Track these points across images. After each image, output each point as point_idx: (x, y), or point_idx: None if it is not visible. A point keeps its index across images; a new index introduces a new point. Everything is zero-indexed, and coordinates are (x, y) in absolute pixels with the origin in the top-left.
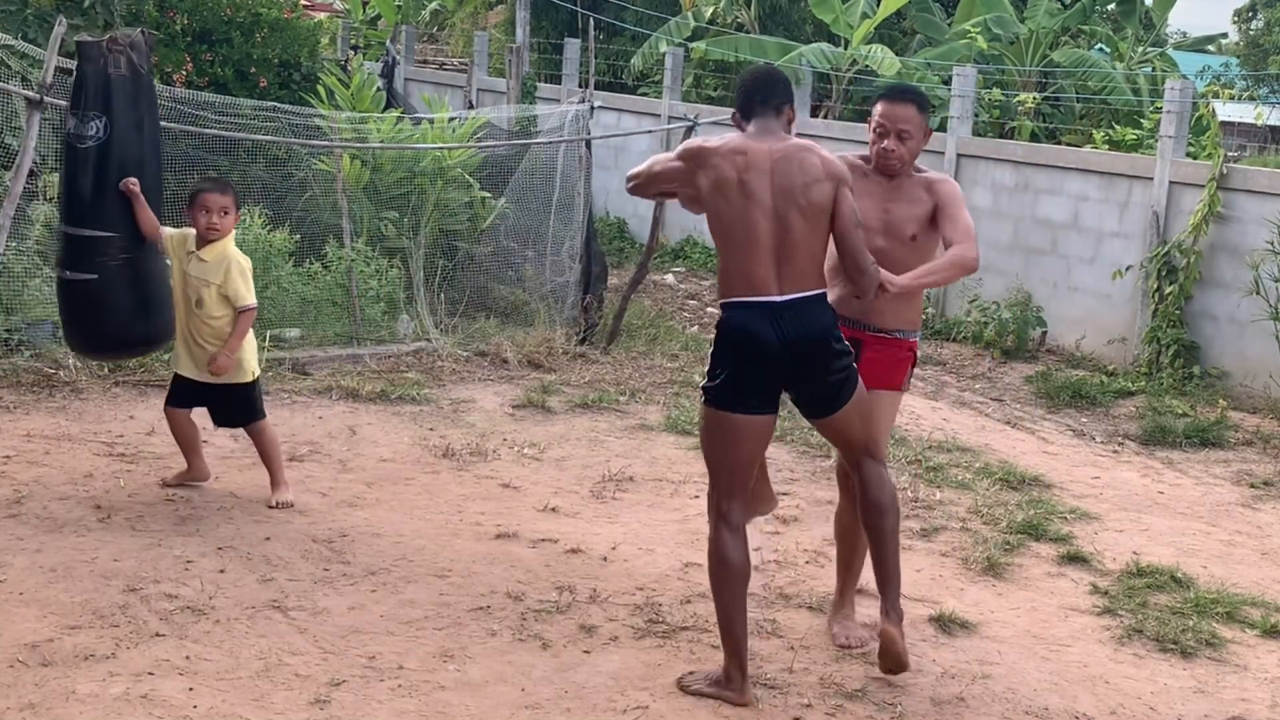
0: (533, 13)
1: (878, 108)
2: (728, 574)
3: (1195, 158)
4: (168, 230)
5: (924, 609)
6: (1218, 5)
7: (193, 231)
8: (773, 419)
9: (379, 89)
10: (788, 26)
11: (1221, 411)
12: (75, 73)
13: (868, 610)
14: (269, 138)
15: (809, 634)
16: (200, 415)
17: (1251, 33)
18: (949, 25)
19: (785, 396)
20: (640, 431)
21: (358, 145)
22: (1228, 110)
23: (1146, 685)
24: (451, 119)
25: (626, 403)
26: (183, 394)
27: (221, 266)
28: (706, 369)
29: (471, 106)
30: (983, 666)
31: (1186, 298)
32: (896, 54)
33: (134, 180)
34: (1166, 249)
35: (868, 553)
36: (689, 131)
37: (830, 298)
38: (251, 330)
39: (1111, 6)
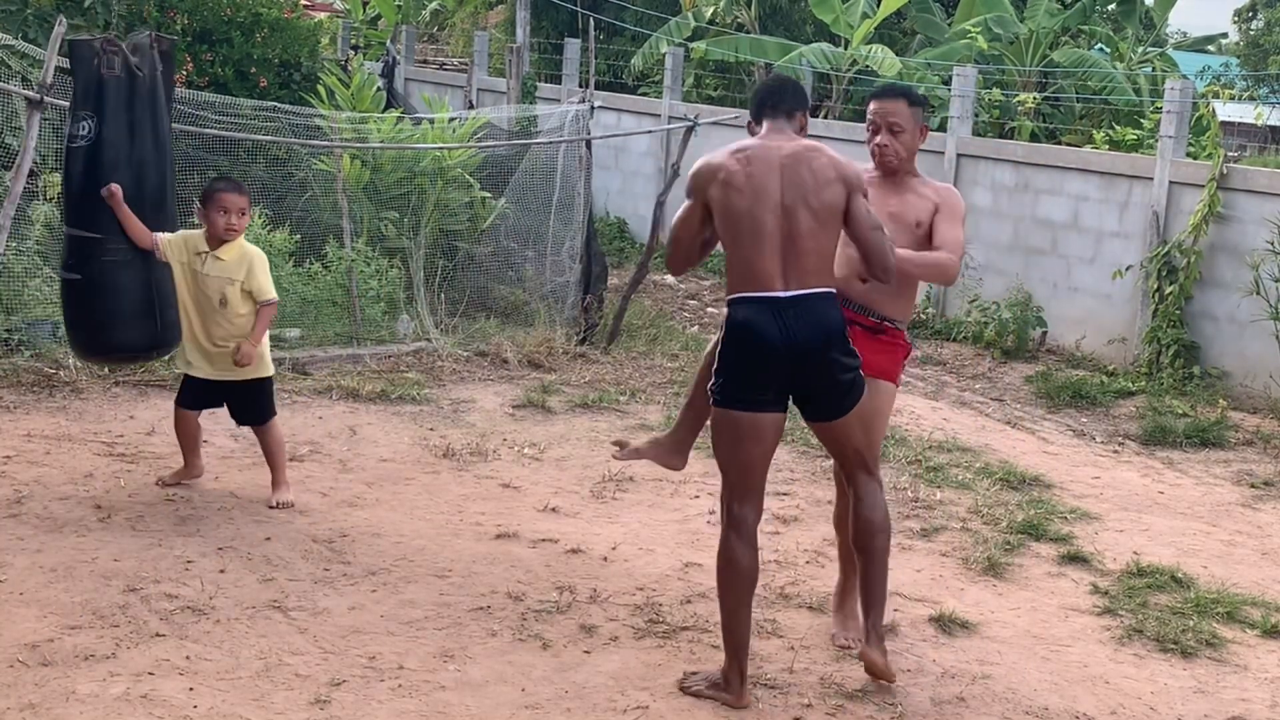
0: (533, 13)
1: (871, 105)
2: (734, 578)
3: (1195, 158)
4: (165, 236)
5: (924, 609)
6: (1218, 5)
7: (196, 233)
8: (780, 417)
9: (379, 89)
10: (788, 26)
11: (1221, 411)
12: (69, 71)
13: None
14: (269, 138)
15: (809, 634)
16: (204, 417)
17: (1251, 33)
18: (949, 25)
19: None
20: (640, 431)
21: (358, 145)
22: (1228, 110)
23: (1146, 685)
24: (451, 119)
25: (626, 403)
26: (198, 395)
27: (244, 263)
28: (714, 368)
29: (471, 106)
30: (983, 666)
31: (1186, 298)
32: (896, 54)
33: (115, 186)
34: (1166, 249)
35: None
36: (689, 132)
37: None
38: None
39: (1111, 6)
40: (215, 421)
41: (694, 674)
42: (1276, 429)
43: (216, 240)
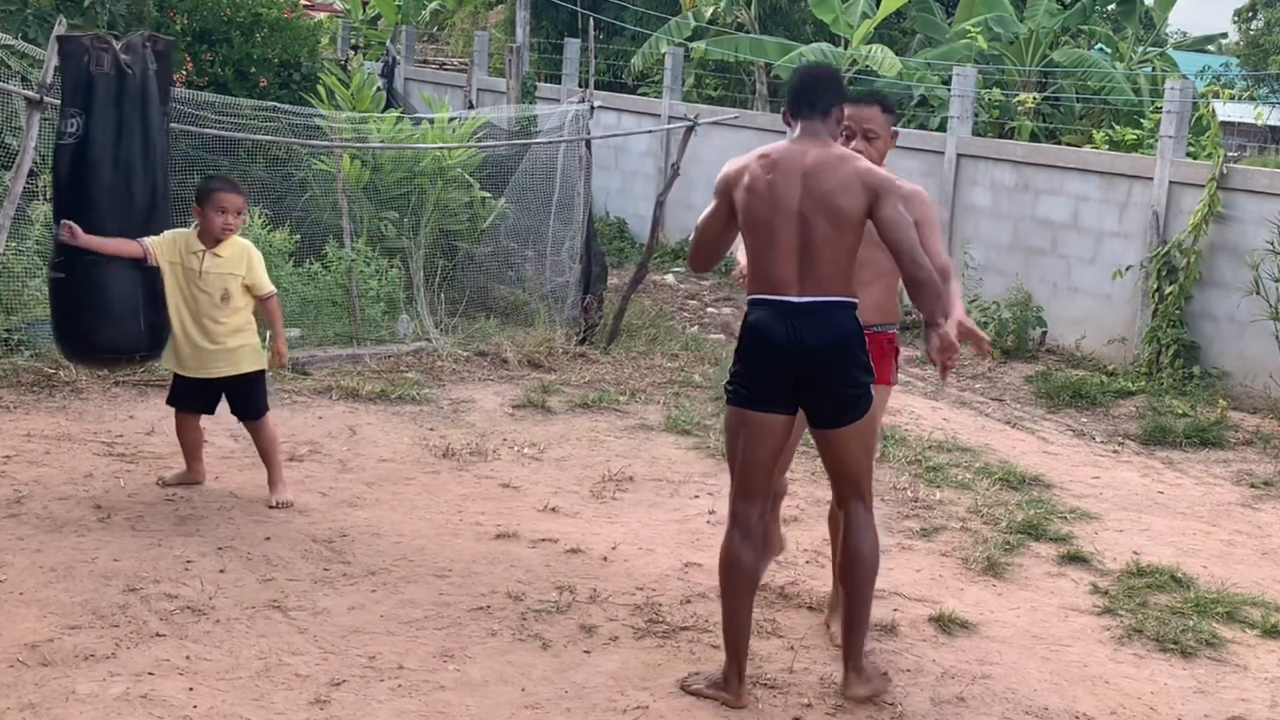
0: (533, 13)
1: (845, 111)
2: (735, 578)
3: (1195, 158)
4: (152, 241)
5: (924, 609)
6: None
7: (187, 232)
8: (789, 420)
9: (379, 89)
10: (788, 26)
11: (1221, 411)
12: (58, 69)
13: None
14: (269, 138)
15: (809, 634)
16: (204, 418)
17: (1251, 33)
18: (949, 25)
19: None
20: (640, 431)
21: (358, 145)
22: (1228, 110)
23: (1146, 685)
24: (451, 119)
25: (626, 403)
26: (193, 396)
27: (243, 259)
28: (731, 365)
29: (471, 106)
30: (983, 666)
31: (1186, 298)
32: (896, 54)
33: (71, 224)
34: (1166, 249)
35: None
36: (689, 132)
37: None
38: (253, 318)
39: (1111, 6)
40: (215, 421)
41: (695, 674)
42: (1276, 429)
43: (213, 239)
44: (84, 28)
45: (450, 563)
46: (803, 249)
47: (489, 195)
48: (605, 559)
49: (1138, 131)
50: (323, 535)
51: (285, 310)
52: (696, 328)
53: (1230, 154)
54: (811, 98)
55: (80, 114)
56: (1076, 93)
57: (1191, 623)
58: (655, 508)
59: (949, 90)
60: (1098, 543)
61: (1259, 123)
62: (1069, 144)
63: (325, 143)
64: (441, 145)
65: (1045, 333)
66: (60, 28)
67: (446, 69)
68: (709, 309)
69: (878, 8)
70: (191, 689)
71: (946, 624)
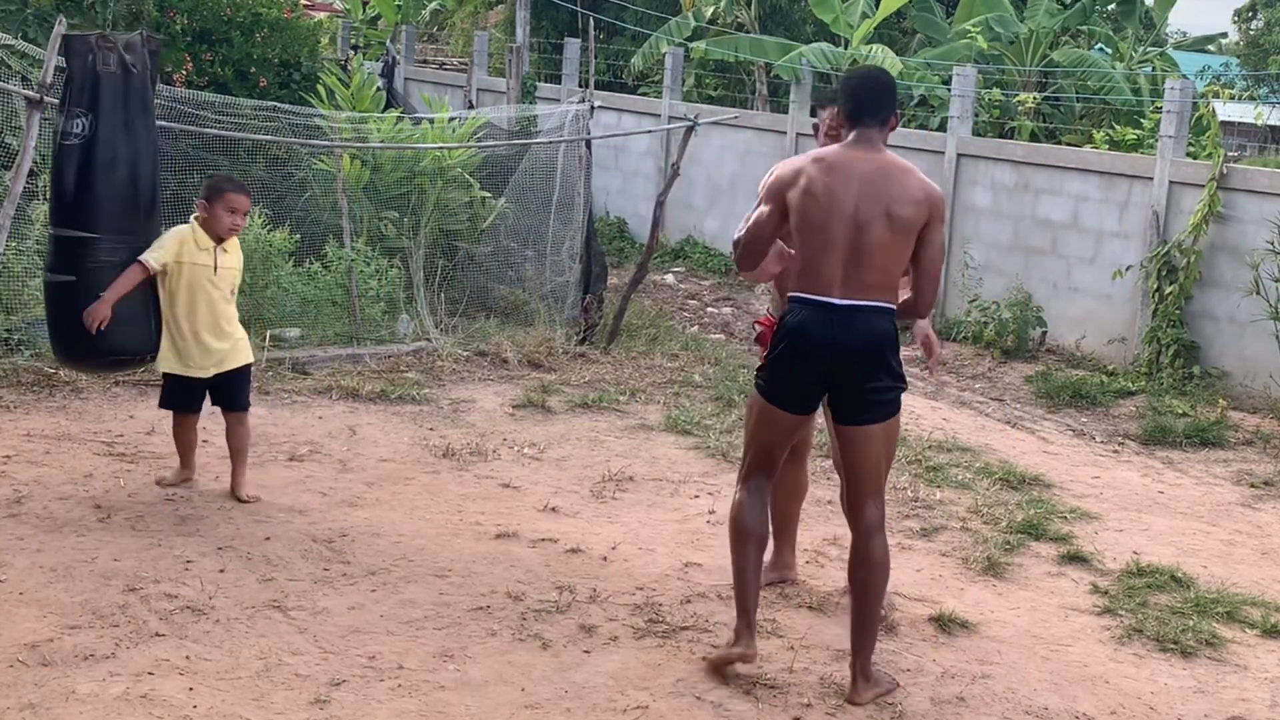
0: (533, 13)
1: (828, 111)
2: (742, 533)
3: (1195, 158)
4: (152, 256)
5: (924, 609)
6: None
7: (187, 229)
8: (806, 419)
9: (379, 89)
10: (788, 26)
11: (1221, 411)
12: (63, 68)
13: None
14: (269, 138)
15: (809, 634)
16: (204, 418)
17: (1251, 33)
18: (949, 25)
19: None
20: (640, 431)
21: (358, 145)
22: (1228, 110)
23: (1146, 685)
24: (451, 119)
25: (626, 403)
26: (193, 396)
27: (239, 255)
28: (764, 354)
29: (471, 106)
30: (983, 666)
31: (1186, 298)
32: (896, 54)
33: (93, 314)
34: (1166, 249)
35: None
36: (689, 132)
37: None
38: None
39: (1111, 6)
40: (216, 422)
41: (712, 650)
42: (1276, 429)
43: (218, 236)
44: (84, 27)
45: (450, 563)
46: (852, 253)
47: (489, 195)
48: (605, 559)
49: (1138, 131)
50: (323, 535)
51: (285, 310)
52: (696, 328)
53: (1230, 154)
54: (875, 105)
55: (87, 114)
56: (1076, 93)
57: (1191, 623)
58: (655, 508)
59: (949, 90)
60: (1098, 543)
61: (1259, 123)
62: (1069, 144)
63: (325, 143)
64: (441, 145)
65: (1045, 333)
66: (60, 27)
67: (446, 69)
68: (709, 309)
69: (878, 8)
70: (191, 689)
71: (946, 624)
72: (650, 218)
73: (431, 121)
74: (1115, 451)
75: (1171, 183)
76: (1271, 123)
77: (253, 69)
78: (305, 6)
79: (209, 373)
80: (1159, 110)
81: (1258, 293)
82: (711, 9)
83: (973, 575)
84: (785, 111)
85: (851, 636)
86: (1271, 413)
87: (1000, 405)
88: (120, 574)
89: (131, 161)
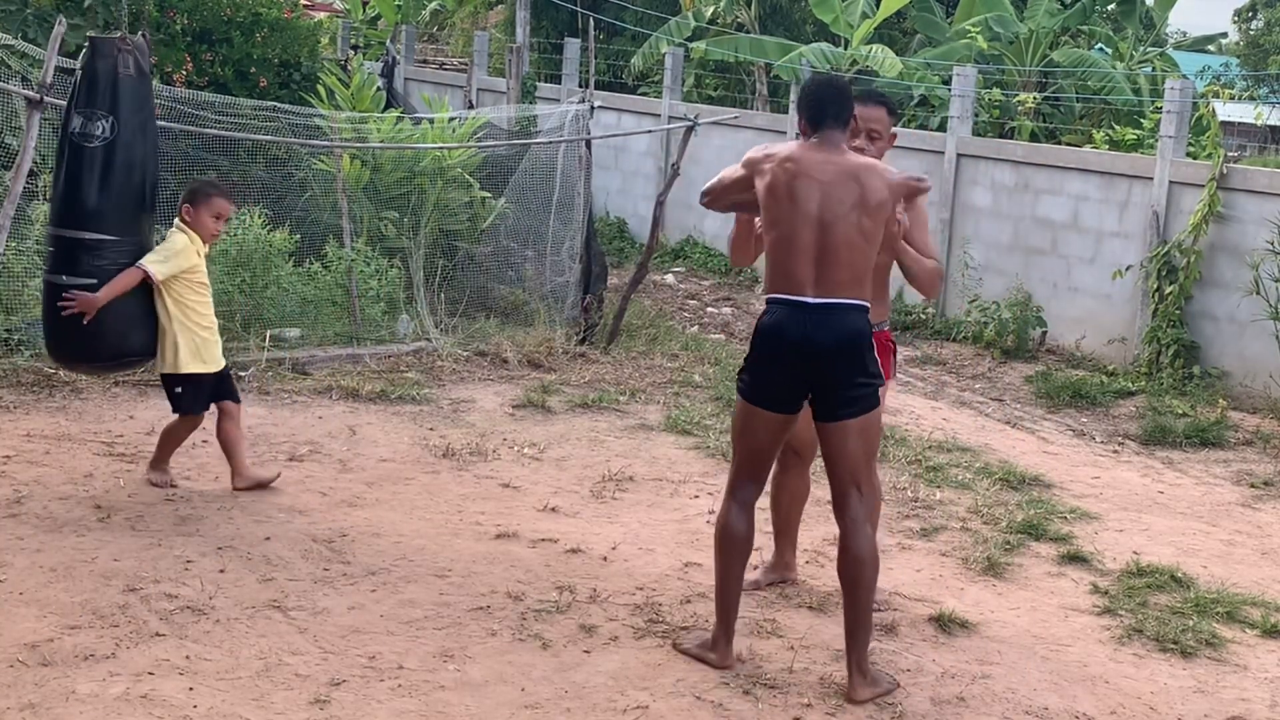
0: (533, 13)
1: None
2: (729, 544)
3: (1195, 158)
4: (154, 265)
5: (924, 609)
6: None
7: (188, 236)
8: (790, 419)
9: (379, 89)
10: (788, 26)
11: (1221, 411)
12: (84, 69)
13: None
14: (269, 138)
15: (809, 634)
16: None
17: (1251, 33)
18: (949, 25)
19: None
20: (640, 431)
21: (358, 145)
22: (1228, 110)
23: (1146, 685)
24: (451, 119)
25: (626, 403)
26: (209, 392)
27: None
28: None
29: (471, 106)
30: (983, 666)
31: (1186, 298)
32: (896, 54)
33: (81, 298)
34: (1166, 249)
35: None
36: (689, 132)
37: None
38: None
39: (1111, 6)
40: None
41: (688, 633)
42: (1276, 429)
43: (203, 240)
44: (84, 27)
45: (450, 563)
46: (820, 253)
47: (489, 195)
48: (605, 559)
49: (1138, 131)
50: (323, 535)
51: (285, 310)
52: (696, 328)
53: (1230, 154)
54: (836, 109)
55: (108, 116)
56: (1076, 93)
57: (1191, 623)
58: (655, 508)
59: (949, 90)
60: (1098, 543)
61: (1259, 123)
62: (1069, 144)
63: (325, 143)
64: (441, 145)
65: (1045, 333)
66: (60, 27)
67: (446, 69)
68: (709, 309)
69: (878, 8)
70: (191, 689)
71: (946, 624)
72: (650, 218)
73: (431, 121)
74: (1115, 451)
75: (1171, 183)
76: (1271, 123)
77: (253, 69)
78: (305, 6)
79: (219, 365)
80: (1159, 110)
81: (1258, 293)
82: (711, 9)
83: (973, 575)
84: (785, 112)
85: (846, 633)
86: (1271, 413)
87: (1000, 405)
88: (120, 574)
89: (143, 163)
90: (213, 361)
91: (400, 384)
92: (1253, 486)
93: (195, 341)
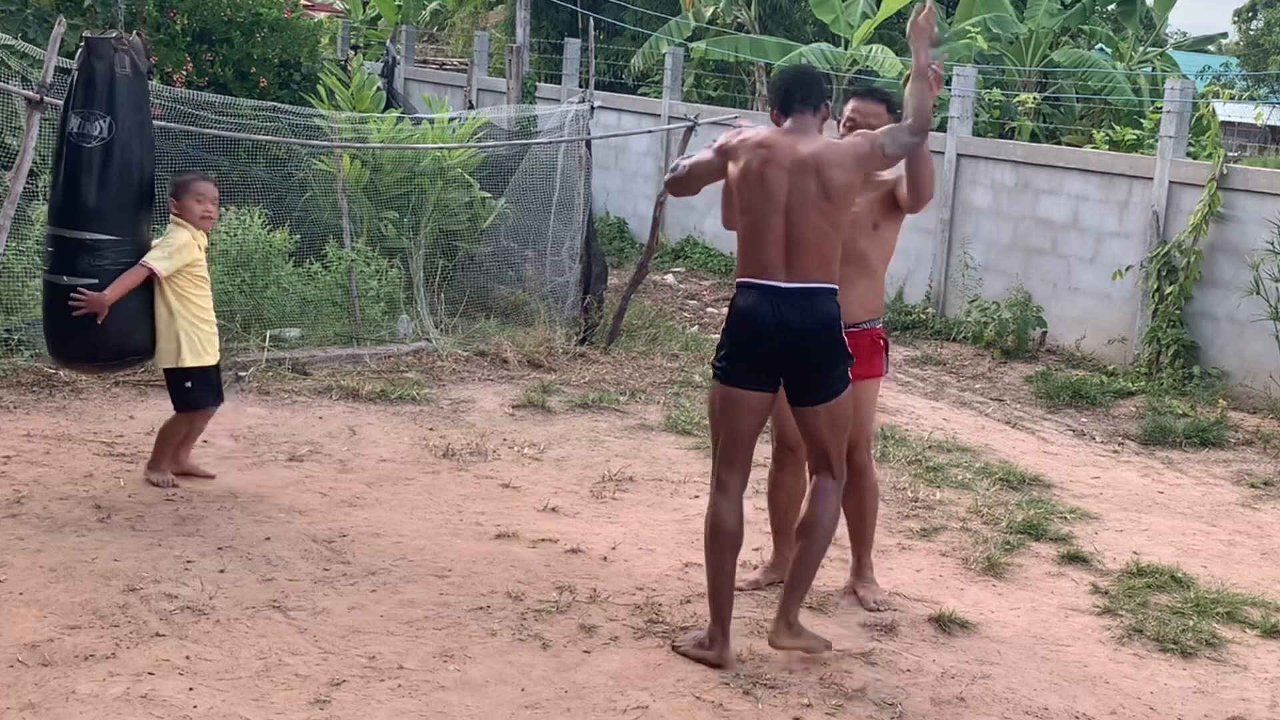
0: (533, 13)
1: (851, 104)
2: (719, 539)
3: (1195, 158)
4: (159, 261)
5: (924, 609)
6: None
7: (187, 227)
8: (770, 397)
9: (379, 89)
10: (788, 26)
11: (1221, 411)
12: (80, 69)
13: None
14: (269, 138)
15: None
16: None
17: (1251, 33)
18: (949, 25)
19: None
20: (640, 431)
21: (358, 145)
22: (1228, 110)
23: (1146, 685)
24: (451, 119)
25: (626, 403)
26: (216, 385)
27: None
28: (718, 344)
29: (471, 106)
30: (983, 666)
31: (1186, 298)
32: (896, 54)
33: (90, 297)
34: (1166, 249)
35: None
36: (689, 132)
37: None
38: None
39: (1111, 6)
40: (216, 421)
41: (687, 633)
42: (1276, 429)
43: (196, 229)
44: (84, 27)
45: (450, 563)
46: (789, 239)
47: (489, 195)
48: (605, 559)
49: (1138, 131)
50: (323, 535)
51: (285, 310)
52: (696, 328)
53: (1230, 154)
54: (804, 94)
55: (106, 116)
56: (1076, 93)
57: (1191, 623)
58: (655, 508)
59: (949, 90)
60: (1098, 543)
61: (1259, 123)
62: (1069, 144)
63: (325, 143)
64: (441, 145)
65: (1045, 333)
66: (60, 27)
67: (446, 69)
68: (709, 309)
69: (878, 8)
70: (191, 689)
71: (946, 624)
72: (650, 218)
73: (431, 121)
74: (1115, 451)
75: (1171, 183)
76: (1271, 123)
77: (253, 69)
78: (305, 6)
79: (219, 357)
80: (1159, 110)
81: (1258, 293)
82: (711, 9)
83: (973, 575)
84: None
85: (786, 584)
86: (1271, 413)
87: (1000, 405)
88: (120, 574)
89: (141, 163)
90: (214, 354)
91: (400, 384)
92: (1253, 486)
93: (197, 335)
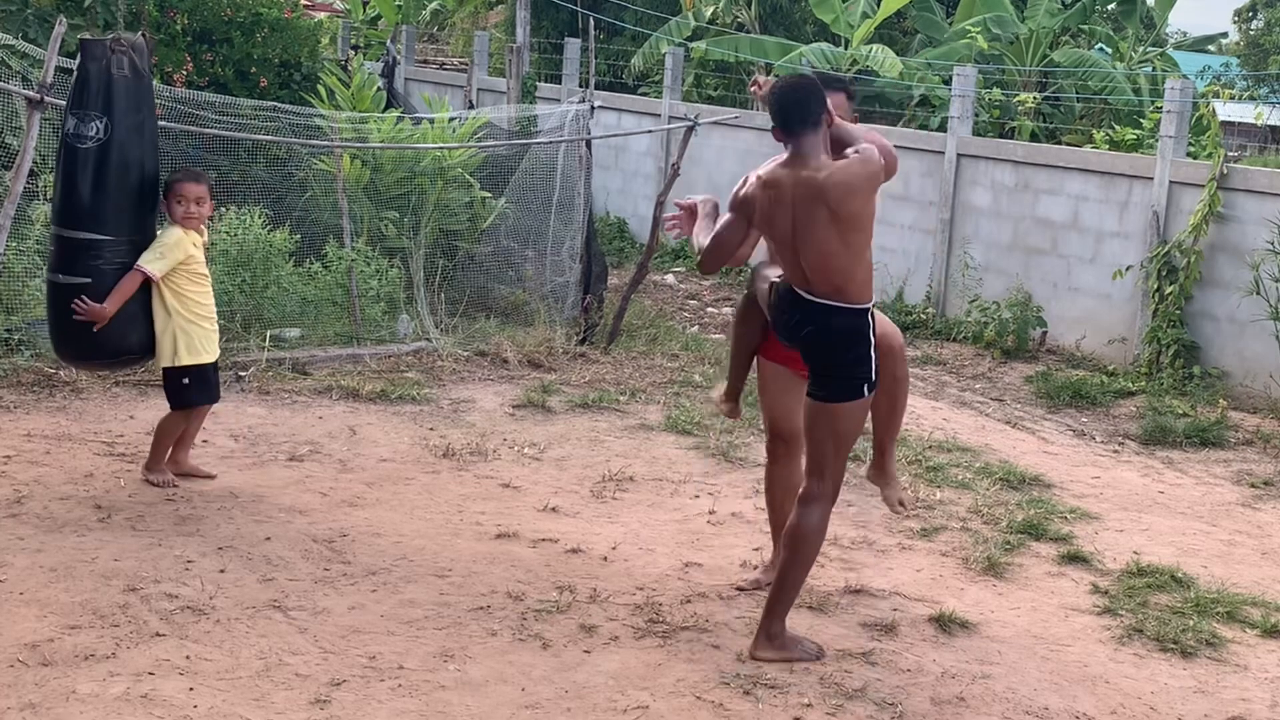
0: (533, 13)
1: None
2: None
3: (1195, 158)
4: (152, 264)
5: (924, 609)
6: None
7: (182, 230)
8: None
9: (379, 89)
10: (788, 26)
11: (1221, 411)
12: (77, 71)
13: (868, 612)
14: (269, 138)
15: (809, 634)
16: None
17: (1251, 33)
18: (949, 25)
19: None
20: (640, 431)
21: (358, 145)
22: (1228, 110)
23: (1146, 685)
24: (451, 119)
25: (626, 403)
26: (213, 382)
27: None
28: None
29: (471, 106)
30: (983, 666)
31: (1186, 298)
32: (897, 54)
33: (90, 306)
34: (1166, 249)
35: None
36: (689, 132)
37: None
38: None
39: (1112, 6)
40: (215, 421)
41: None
42: (1276, 429)
43: (193, 229)
44: (84, 27)
45: (450, 563)
46: (804, 268)
47: (489, 195)
48: (605, 559)
49: (1138, 131)
50: (323, 535)
51: (285, 310)
52: (696, 328)
53: (1230, 154)
54: (802, 113)
55: (102, 116)
56: (1076, 93)
57: (1191, 623)
58: (655, 508)
59: (949, 90)
60: (1098, 543)
61: (1259, 123)
62: (1069, 144)
63: (325, 143)
64: (441, 145)
65: (1045, 333)
66: (61, 27)
67: (446, 69)
68: (709, 309)
69: (878, 8)
70: (191, 689)
71: (946, 624)
72: (650, 218)
73: (431, 121)
74: (1115, 451)
75: (1171, 183)
76: (1271, 123)
77: (253, 69)
78: (305, 6)
79: (217, 354)
80: (1159, 110)
81: (1258, 293)
82: (711, 9)
83: (973, 575)
84: None
85: (769, 593)
86: (1271, 413)
87: (1000, 405)
88: (120, 574)
89: (140, 163)
90: (213, 352)
91: (400, 384)
92: (1253, 486)
93: (195, 332)
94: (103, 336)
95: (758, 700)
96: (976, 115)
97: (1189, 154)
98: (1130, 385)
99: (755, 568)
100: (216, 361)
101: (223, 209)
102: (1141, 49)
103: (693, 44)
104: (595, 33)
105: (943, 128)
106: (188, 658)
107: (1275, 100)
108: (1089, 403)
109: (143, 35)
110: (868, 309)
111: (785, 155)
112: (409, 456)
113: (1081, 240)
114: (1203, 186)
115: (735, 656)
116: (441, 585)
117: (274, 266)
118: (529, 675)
